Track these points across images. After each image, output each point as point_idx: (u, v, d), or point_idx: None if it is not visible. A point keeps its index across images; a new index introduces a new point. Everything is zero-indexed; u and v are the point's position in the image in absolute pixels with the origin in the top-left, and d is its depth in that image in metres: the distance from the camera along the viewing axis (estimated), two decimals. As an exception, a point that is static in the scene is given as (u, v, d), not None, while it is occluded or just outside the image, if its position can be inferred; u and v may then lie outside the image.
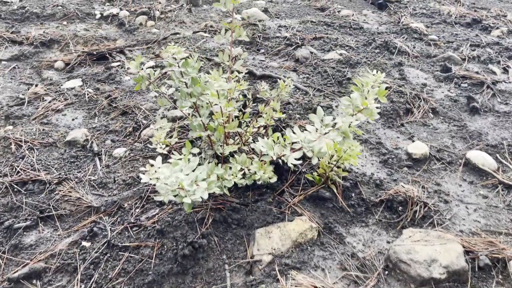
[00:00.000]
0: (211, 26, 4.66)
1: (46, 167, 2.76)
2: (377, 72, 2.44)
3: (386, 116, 3.37)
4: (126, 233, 2.39)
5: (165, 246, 2.29)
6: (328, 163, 2.59)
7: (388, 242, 2.37)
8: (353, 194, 2.63)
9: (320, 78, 3.80)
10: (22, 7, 4.81)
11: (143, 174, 1.93)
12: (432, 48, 4.48)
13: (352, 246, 2.33)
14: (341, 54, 4.14)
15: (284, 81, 2.85)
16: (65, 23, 4.70)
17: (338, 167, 2.62)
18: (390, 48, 4.32)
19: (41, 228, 2.44)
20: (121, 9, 4.96)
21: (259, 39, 4.42)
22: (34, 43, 4.20)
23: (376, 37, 4.55)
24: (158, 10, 4.94)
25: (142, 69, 2.69)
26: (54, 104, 3.37)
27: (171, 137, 2.85)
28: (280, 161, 2.66)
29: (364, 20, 5.15)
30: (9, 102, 3.36)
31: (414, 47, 4.43)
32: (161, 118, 3.28)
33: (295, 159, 2.38)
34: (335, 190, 2.61)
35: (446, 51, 4.35)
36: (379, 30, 4.83)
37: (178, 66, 2.50)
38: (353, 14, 5.23)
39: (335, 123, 2.16)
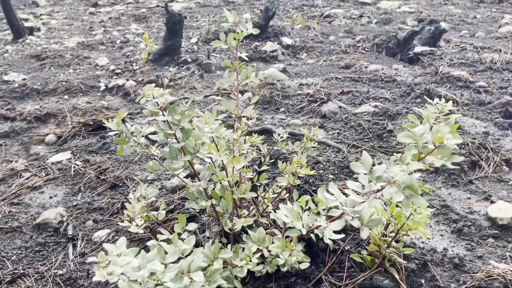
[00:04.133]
0: (225, 89, 4.17)
1: (0, 260, 2.07)
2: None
3: (447, 172, 2.59)
4: None
5: None
6: (383, 236, 1.80)
7: None
8: (423, 280, 1.79)
9: (354, 133, 3.11)
10: (23, 84, 4.50)
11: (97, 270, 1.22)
12: (483, 95, 3.79)
13: None
14: (376, 106, 3.49)
15: (309, 132, 2.18)
16: (66, 97, 4.31)
17: (397, 241, 1.82)
18: (434, 97, 3.65)
19: None
20: (127, 80, 4.58)
21: (278, 98, 3.86)
22: (28, 118, 3.76)
23: (414, 88, 3.91)
24: (166, 77, 4.53)
25: (125, 125, 2.10)
26: (31, 180, 2.77)
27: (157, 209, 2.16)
28: (312, 235, 1.89)
29: (396, 73, 4.56)
30: (-19, 181, 2.80)
31: (462, 95, 3.75)
32: (157, 190, 2.61)
33: (335, 232, 1.63)
34: (396, 276, 1.78)
35: (502, 97, 3.64)
36: (415, 82, 4.21)
37: (163, 114, 1.88)
38: (382, 69, 4.67)
39: (392, 175, 1.43)
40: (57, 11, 10.81)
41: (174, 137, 1.90)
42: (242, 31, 2.13)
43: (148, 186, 1.86)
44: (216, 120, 1.75)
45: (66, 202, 2.56)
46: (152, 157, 2.09)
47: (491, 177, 2.56)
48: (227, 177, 1.86)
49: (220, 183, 1.84)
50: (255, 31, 2.14)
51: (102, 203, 2.52)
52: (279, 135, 2.15)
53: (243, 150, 2.05)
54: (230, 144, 1.95)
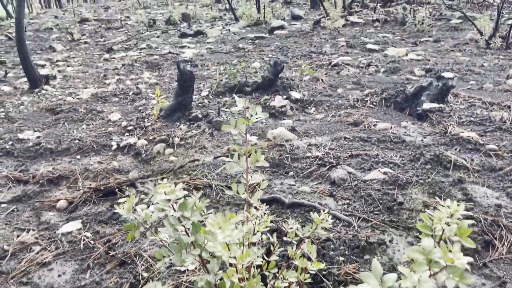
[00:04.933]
0: (234, 150, 4.20)
1: None
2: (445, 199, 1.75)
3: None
4: None
5: None
6: None
7: None
8: None
9: (365, 204, 3.10)
10: (38, 143, 4.59)
11: None
12: (494, 159, 3.77)
13: None
14: (385, 173, 3.48)
15: (319, 214, 2.18)
16: (78, 157, 4.38)
17: None
18: (444, 163, 3.64)
19: None
20: (139, 138, 4.65)
21: (287, 161, 3.88)
22: (40, 181, 3.82)
23: (423, 151, 3.91)
24: (177, 136, 4.59)
25: (135, 210, 2.12)
26: (41, 255, 2.78)
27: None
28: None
29: (405, 132, 4.58)
30: (-8, 254, 2.81)
31: (472, 160, 3.74)
32: (157, 280, 2.60)
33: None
34: None
35: (513, 162, 3.62)
36: (424, 143, 4.21)
37: (174, 210, 1.90)
38: (391, 127, 4.69)
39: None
40: (73, 57, 11.16)
41: (184, 231, 1.91)
42: (251, 116, 2.18)
43: (156, 285, 1.85)
44: (229, 223, 1.76)
45: (75, 281, 2.55)
46: (162, 243, 2.09)
47: (506, 259, 2.51)
48: (237, 272, 1.85)
49: (230, 280, 1.83)
50: (264, 115, 2.19)
51: (111, 282, 2.51)
52: (288, 224, 2.15)
53: (252, 240, 2.05)
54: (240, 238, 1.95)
